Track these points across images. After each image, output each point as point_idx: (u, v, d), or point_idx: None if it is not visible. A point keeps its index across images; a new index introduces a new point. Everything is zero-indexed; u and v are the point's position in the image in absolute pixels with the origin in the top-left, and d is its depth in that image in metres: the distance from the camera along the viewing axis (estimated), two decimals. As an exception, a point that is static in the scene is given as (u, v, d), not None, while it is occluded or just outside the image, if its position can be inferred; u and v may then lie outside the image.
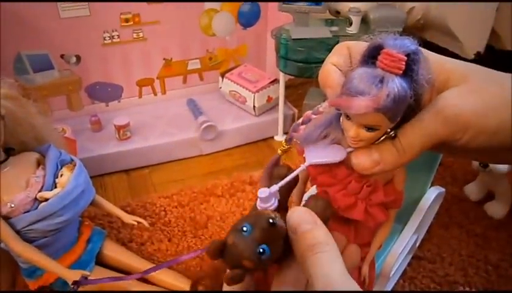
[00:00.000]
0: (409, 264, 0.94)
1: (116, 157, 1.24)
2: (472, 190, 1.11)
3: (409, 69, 0.33)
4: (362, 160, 0.39)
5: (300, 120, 0.41)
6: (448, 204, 1.07)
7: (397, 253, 0.76)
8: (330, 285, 0.29)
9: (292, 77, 1.38)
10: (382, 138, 0.39)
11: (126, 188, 1.21)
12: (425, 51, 0.34)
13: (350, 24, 1.24)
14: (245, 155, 1.34)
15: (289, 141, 0.44)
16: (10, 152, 0.82)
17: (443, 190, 0.86)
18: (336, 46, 0.43)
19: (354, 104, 0.33)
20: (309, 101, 1.35)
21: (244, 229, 0.30)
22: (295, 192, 0.60)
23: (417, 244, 0.95)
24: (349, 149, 0.42)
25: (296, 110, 1.42)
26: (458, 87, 0.35)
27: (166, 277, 0.88)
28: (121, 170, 1.26)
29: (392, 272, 0.78)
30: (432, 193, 0.83)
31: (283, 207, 0.37)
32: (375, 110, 0.33)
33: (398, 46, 0.33)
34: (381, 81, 0.33)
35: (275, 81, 1.37)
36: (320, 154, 0.41)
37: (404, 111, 0.35)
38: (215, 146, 1.34)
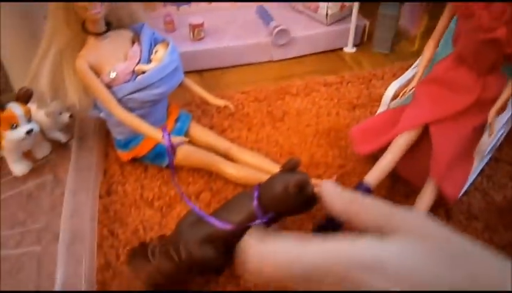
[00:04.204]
0: (487, 164, 0.94)
1: (190, 56, 1.26)
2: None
3: None
4: None
5: None
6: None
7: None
8: None
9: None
10: None
11: (200, 86, 1.23)
12: None
13: None
14: (316, 63, 1.33)
15: None
16: (109, 26, 0.84)
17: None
18: None
19: None
20: (384, 10, 1.31)
21: None
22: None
23: (498, 143, 0.94)
24: None
25: (368, 22, 1.39)
26: None
27: (252, 159, 0.91)
28: (194, 70, 1.28)
29: (486, 152, 0.80)
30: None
31: None
32: None
33: None
34: None
35: (350, -11, 1.33)
36: None
37: None
38: (285, 52, 1.34)
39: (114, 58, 0.84)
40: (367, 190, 0.77)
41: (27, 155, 0.91)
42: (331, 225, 0.74)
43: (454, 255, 0.34)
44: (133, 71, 0.84)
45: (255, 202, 0.67)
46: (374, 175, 0.79)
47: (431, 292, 0.32)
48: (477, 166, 0.88)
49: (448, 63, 0.81)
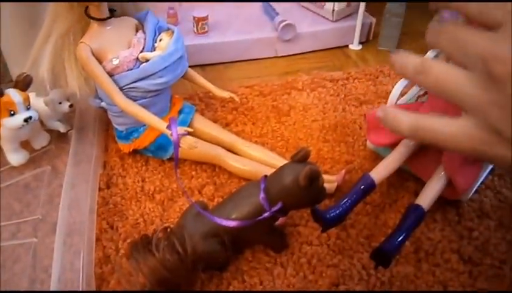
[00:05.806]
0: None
1: (192, 50, 1.23)
2: None
3: None
4: None
5: None
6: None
7: None
8: None
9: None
10: None
11: (203, 80, 1.21)
12: None
13: None
14: (322, 59, 1.31)
15: None
16: (112, 12, 0.82)
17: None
18: None
19: None
20: (390, 9, 1.29)
21: None
22: None
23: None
24: None
25: (374, 19, 1.37)
26: None
27: (257, 153, 0.88)
28: (196, 64, 1.26)
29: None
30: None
31: None
32: None
33: None
34: None
35: (357, -15, 1.31)
36: None
37: None
38: (290, 48, 1.31)
39: (117, 45, 0.81)
40: (372, 184, 0.74)
41: (25, 145, 0.88)
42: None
43: None
44: (137, 59, 0.82)
45: (262, 195, 0.65)
46: (378, 172, 0.76)
47: None
48: (488, 165, 0.85)
49: None
